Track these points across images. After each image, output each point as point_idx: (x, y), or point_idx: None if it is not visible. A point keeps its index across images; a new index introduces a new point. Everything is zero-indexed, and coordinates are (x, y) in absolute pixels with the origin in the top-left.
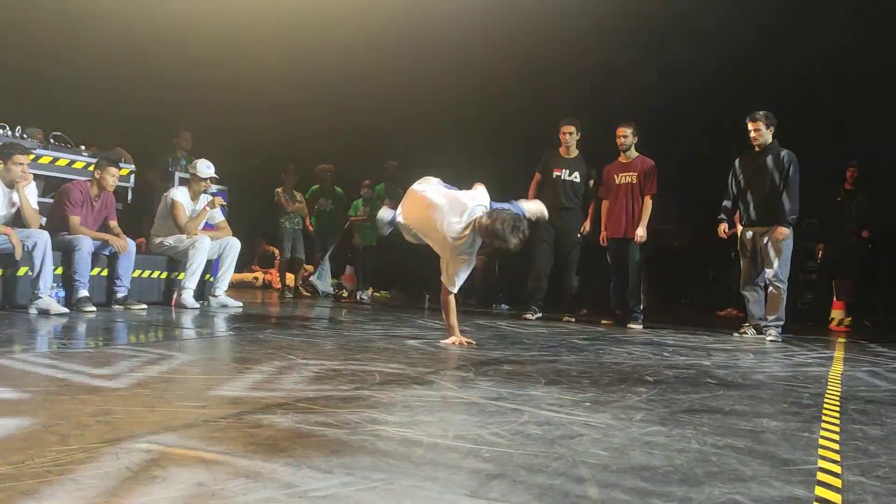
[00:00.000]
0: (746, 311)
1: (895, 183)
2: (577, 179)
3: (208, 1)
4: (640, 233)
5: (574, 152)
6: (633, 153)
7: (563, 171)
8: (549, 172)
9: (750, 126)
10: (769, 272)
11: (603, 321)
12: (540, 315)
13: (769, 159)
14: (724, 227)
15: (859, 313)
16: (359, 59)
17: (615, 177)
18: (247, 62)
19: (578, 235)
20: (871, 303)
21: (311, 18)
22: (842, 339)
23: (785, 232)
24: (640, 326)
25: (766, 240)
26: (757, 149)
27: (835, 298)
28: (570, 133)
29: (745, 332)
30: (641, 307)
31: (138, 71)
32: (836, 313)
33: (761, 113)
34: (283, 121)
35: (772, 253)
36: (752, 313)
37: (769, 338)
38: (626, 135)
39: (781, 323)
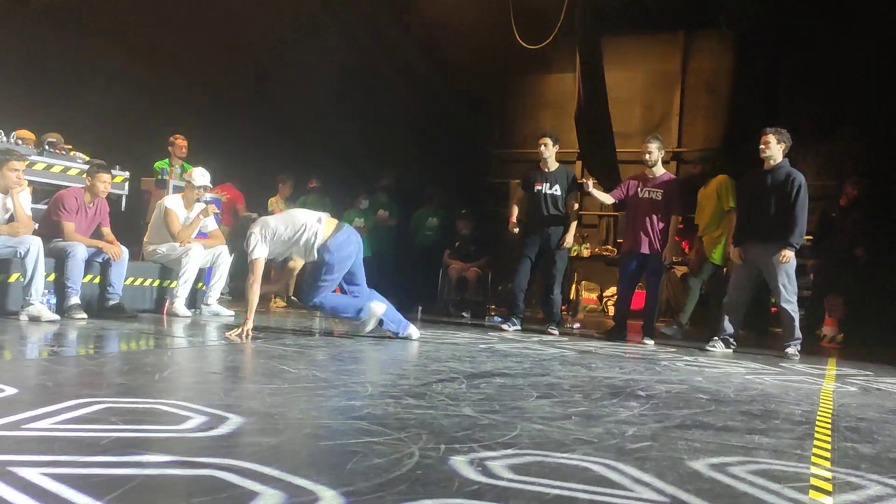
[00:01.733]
0: (721, 324)
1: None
2: (558, 192)
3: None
4: (667, 254)
5: (553, 165)
6: (660, 169)
7: (544, 184)
8: (532, 188)
9: (761, 139)
10: (776, 295)
11: (599, 332)
12: (518, 327)
13: (777, 178)
14: (737, 251)
15: (851, 331)
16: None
17: (638, 190)
18: (244, 69)
19: (563, 248)
20: (863, 321)
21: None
22: (833, 356)
23: (789, 255)
24: (653, 342)
25: (770, 263)
26: (766, 165)
27: (826, 315)
28: (545, 145)
29: (714, 346)
30: (655, 323)
31: (135, 76)
32: (828, 330)
33: (774, 128)
34: (278, 129)
35: (775, 274)
36: (724, 327)
37: (792, 357)
38: (650, 151)
39: (800, 341)
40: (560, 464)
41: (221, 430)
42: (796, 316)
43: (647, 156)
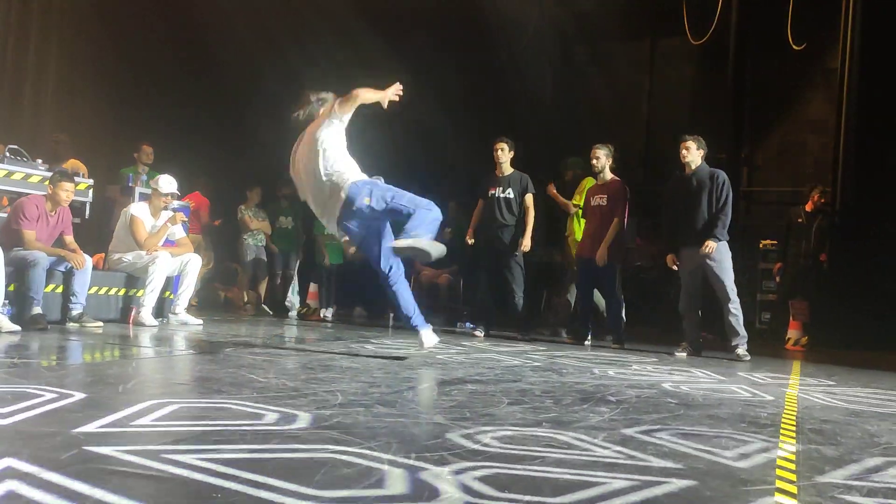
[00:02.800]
0: (684, 330)
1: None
2: (511, 195)
3: (173, 12)
4: (600, 254)
5: (508, 170)
6: (607, 175)
7: (497, 189)
8: (485, 192)
9: (681, 145)
10: (719, 294)
11: (566, 339)
12: (484, 333)
13: (701, 179)
14: (671, 258)
15: (815, 334)
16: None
17: (591, 198)
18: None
19: (516, 254)
20: (827, 324)
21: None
22: (798, 360)
23: (712, 245)
24: (621, 346)
25: (707, 262)
26: (686, 170)
27: (791, 318)
28: (502, 150)
29: (682, 351)
30: (623, 326)
31: (100, 82)
32: (793, 333)
33: (693, 136)
34: (249, 138)
35: (713, 274)
36: (689, 332)
37: (743, 357)
38: (597, 157)
39: (746, 339)
40: (529, 473)
41: (181, 445)
42: (739, 314)
43: (595, 161)
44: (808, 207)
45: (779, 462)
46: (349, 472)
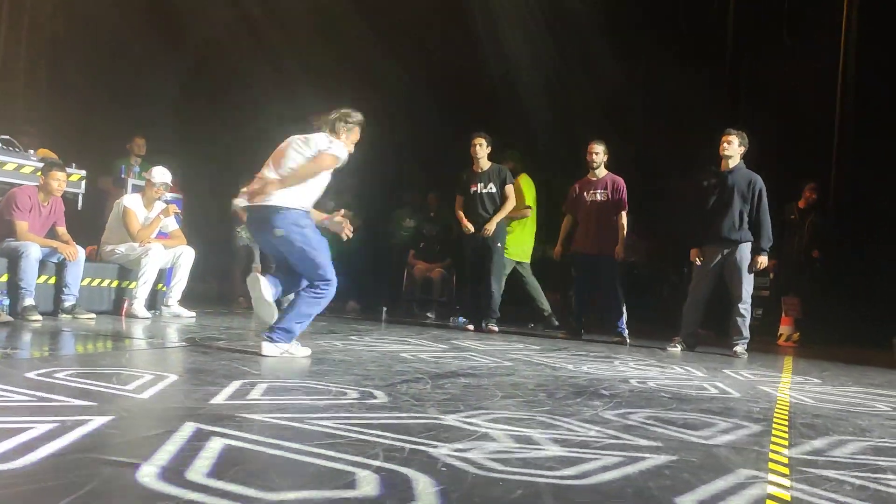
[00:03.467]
0: (682, 323)
1: (849, 205)
2: (493, 190)
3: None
4: (619, 251)
5: (486, 164)
6: (602, 171)
7: (479, 185)
8: (468, 190)
9: (723, 139)
10: (735, 295)
11: (560, 334)
12: (465, 322)
13: (737, 179)
14: (695, 252)
15: (807, 330)
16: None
17: (585, 194)
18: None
19: (499, 245)
20: (819, 320)
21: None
22: (790, 355)
23: (764, 261)
24: (627, 342)
25: (731, 261)
26: (724, 166)
27: (783, 314)
28: (480, 145)
29: (675, 346)
30: (624, 322)
31: (93, 72)
32: (784, 329)
33: (736, 130)
34: (245, 130)
35: (736, 275)
36: (687, 327)
37: (741, 355)
38: (597, 152)
39: (747, 340)
40: (524, 461)
41: (173, 436)
42: (747, 316)
43: (594, 156)
44: (801, 204)
45: (771, 456)
46: (341, 468)
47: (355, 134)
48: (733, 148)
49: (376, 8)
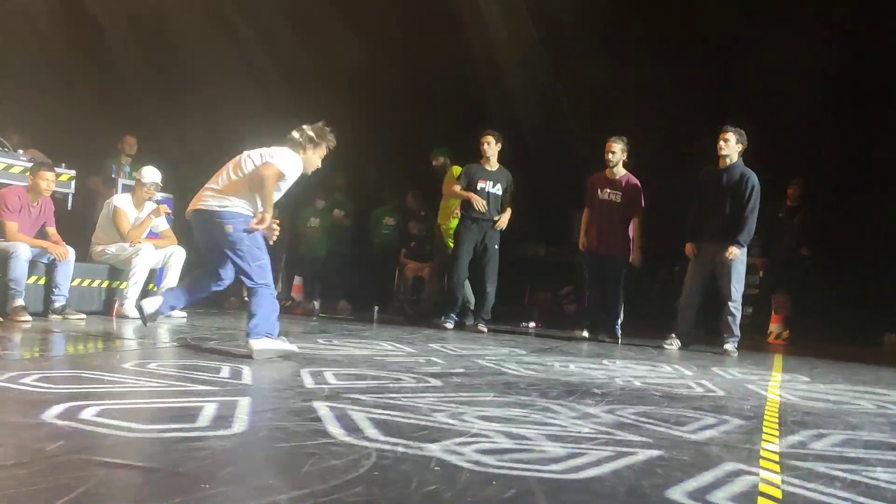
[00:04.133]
0: (677, 321)
1: (838, 202)
2: (500, 192)
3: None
4: (635, 257)
5: (495, 164)
6: (621, 170)
7: (488, 183)
8: (474, 185)
9: (720, 136)
10: (725, 293)
11: (576, 332)
12: (453, 324)
13: (732, 177)
14: (690, 246)
15: (797, 327)
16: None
17: (598, 190)
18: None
19: (496, 247)
20: (808, 318)
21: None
22: (779, 353)
23: (736, 252)
24: (618, 342)
25: (720, 260)
26: (721, 164)
27: (773, 312)
28: (488, 143)
29: (671, 343)
30: (620, 323)
31: (82, 71)
32: (774, 327)
33: (734, 128)
34: (234, 128)
35: (726, 274)
36: (682, 324)
37: (731, 353)
38: (614, 151)
39: (738, 339)
40: (516, 462)
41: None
42: (738, 314)
43: (610, 155)
44: (789, 202)
45: (762, 454)
46: (337, 464)
47: (322, 150)
48: (730, 146)
49: (360, 7)
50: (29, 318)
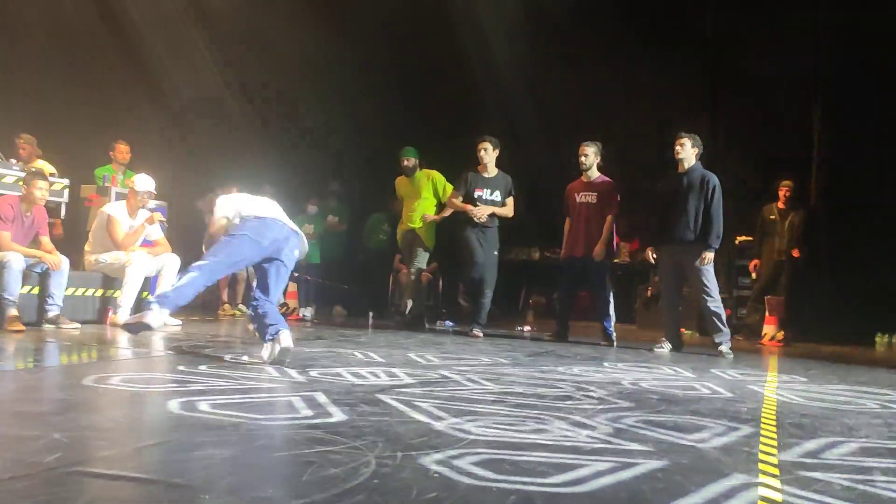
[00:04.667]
0: (665, 325)
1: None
2: (498, 199)
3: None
4: (598, 250)
5: (493, 171)
6: (594, 173)
7: (485, 190)
8: (472, 193)
9: (675, 142)
10: (704, 298)
11: (547, 335)
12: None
13: (692, 180)
14: (649, 251)
15: (791, 329)
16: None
17: (576, 195)
18: (190, 71)
19: (495, 253)
20: (802, 319)
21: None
22: (775, 354)
23: (709, 257)
24: (614, 344)
25: (688, 261)
26: (680, 168)
27: (767, 314)
28: (485, 150)
29: (662, 347)
30: (613, 324)
31: (76, 78)
32: (769, 328)
33: (688, 133)
34: (226, 135)
35: (697, 275)
36: (668, 330)
37: (726, 355)
38: (586, 154)
39: (728, 336)
40: (516, 467)
41: (174, 445)
42: (721, 311)
43: (583, 158)
44: (780, 204)
45: (761, 457)
46: (336, 472)
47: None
48: (686, 150)
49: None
50: (23, 327)
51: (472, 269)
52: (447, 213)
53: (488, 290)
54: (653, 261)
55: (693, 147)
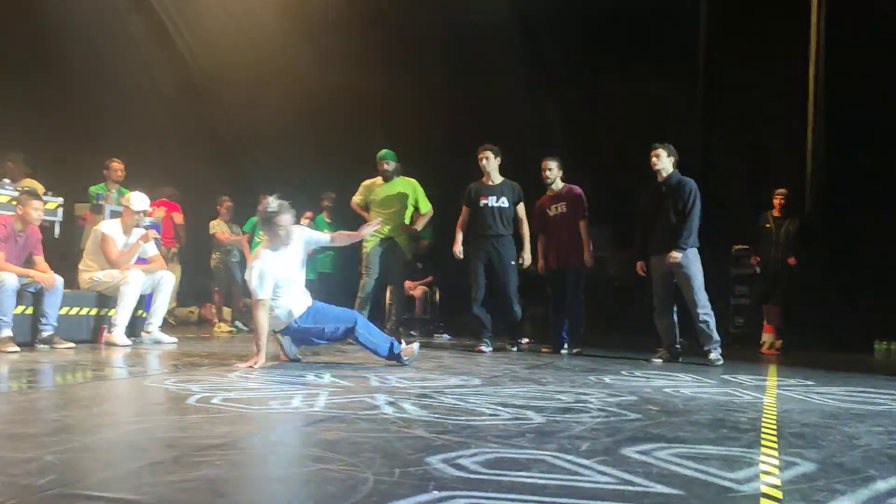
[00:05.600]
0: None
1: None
2: (506, 205)
3: (141, 23)
4: (588, 258)
5: (497, 178)
6: (559, 184)
7: (490, 198)
8: (477, 202)
9: (651, 154)
10: (693, 305)
11: (543, 349)
12: (491, 348)
13: (671, 187)
14: (640, 265)
15: (789, 337)
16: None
17: (548, 210)
18: (181, 88)
19: (512, 263)
20: (800, 327)
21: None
22: (773, 363)
23: (676, 256)
24: (579, 350)
25: (676, 269)
26: (658, 178)
27: (765, 322)
28: (486, 158)
29: (659, 358)
30: (581, 333)
31: (66, 96)
32: (767, 337)
33: (663, 143)
34: (219, 150)
35: (685, 283)
36: (666, 337)
37: (716, 362)
38: (550, 168)
39: (719, 343)
40: (515, 482)
41: (166, 466)
42: (711, 319)
43: (548, 172)
44: (775, 213)
45: (762, 468)
46: (334, 490)
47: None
48: (662, 160)
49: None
50: (17, 348)
51: (475, 292)
52: (424, 221)
53: (515, 298)
54: (643, 274)
55: (669, 156)
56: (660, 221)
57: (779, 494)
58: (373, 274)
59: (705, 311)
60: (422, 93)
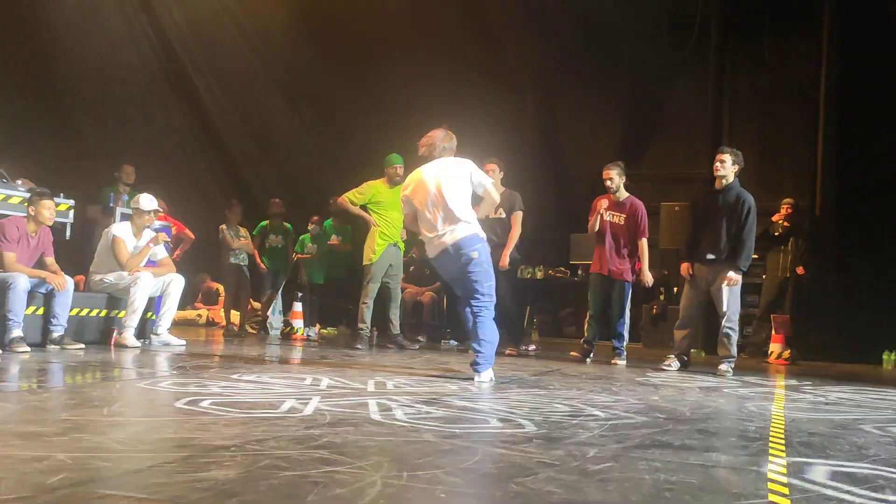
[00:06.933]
0: (674, 342)
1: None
2: (503, 216)
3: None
4: (649, 279)
5: (500, 188)
6: (623, 193)
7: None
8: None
9: (716, 157)
10: (722, 316)
11: (572, 353)
12: (458, 345)
13: (729, 199)
14: (685, 266)
15: (798, 347)
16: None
17: (604, 212)
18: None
19: (508, 268)
20: (809, 337)
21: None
22: (782, 373)
23: (735, 278)
24: (624, 363)
25: (716, 281)
26: (718, 185)
27: (773, 332)
28: (493, 171)
29: (670, 365)
30: (625, 345)
31: (78, 103)
32: (775, 347)
33: (730, 148)
34: (229, 155)
35: (722, 296)
36: (679, 346)
37: (725, 373)
38: (611, 178)
39: (734, 360)
40: (523, 489)
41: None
42: (734, 335)
43: (609, 182)
44: (784, 222)
45: (770, 476)
46: (342, 492)
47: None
48: (726, 167)
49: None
50: (27, 348)
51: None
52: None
53: (516, 308)
54: (688, 276)
55: (734, 164)
56: (710, 231)
57: (787, 503)
58: (378, 281)
59: (733, 325)
60: (424, 92)
